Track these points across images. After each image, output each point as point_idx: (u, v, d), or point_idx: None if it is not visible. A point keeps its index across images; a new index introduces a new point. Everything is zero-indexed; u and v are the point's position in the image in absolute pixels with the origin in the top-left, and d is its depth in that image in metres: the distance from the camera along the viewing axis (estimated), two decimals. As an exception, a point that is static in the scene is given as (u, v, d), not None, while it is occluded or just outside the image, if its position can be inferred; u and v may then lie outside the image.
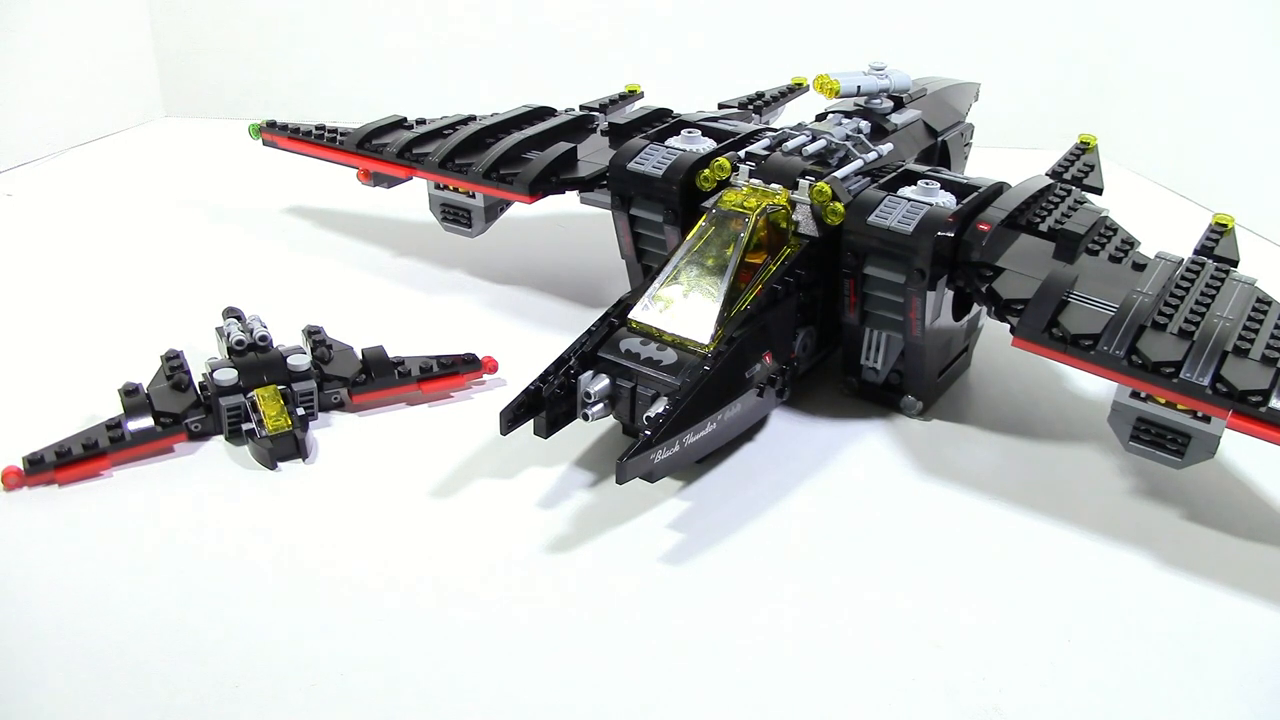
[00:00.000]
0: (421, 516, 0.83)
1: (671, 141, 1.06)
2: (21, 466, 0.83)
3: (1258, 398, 0.75)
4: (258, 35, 1.99)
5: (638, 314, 0.88)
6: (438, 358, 0.99)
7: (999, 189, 0.97)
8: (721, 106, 1.35)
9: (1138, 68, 1.92)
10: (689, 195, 1.00)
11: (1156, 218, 1.51)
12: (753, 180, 0.98)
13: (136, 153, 1.82)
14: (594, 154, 1.17)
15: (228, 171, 1.69)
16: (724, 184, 0.99)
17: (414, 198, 1.31)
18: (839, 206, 0.93)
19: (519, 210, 1.28)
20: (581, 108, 1.32)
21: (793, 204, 0.95)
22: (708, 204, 0.97)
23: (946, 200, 0.92)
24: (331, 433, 0.94)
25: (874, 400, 1.01)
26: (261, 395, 0.90)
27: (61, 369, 1.04)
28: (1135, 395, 0.79)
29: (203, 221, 1.47)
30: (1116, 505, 0.87)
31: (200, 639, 0.69)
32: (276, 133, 1.33)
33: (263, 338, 0.95)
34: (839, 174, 0.97)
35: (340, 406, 0.96)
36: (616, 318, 0.89)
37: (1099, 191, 1.08)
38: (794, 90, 1.46)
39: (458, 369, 0.99)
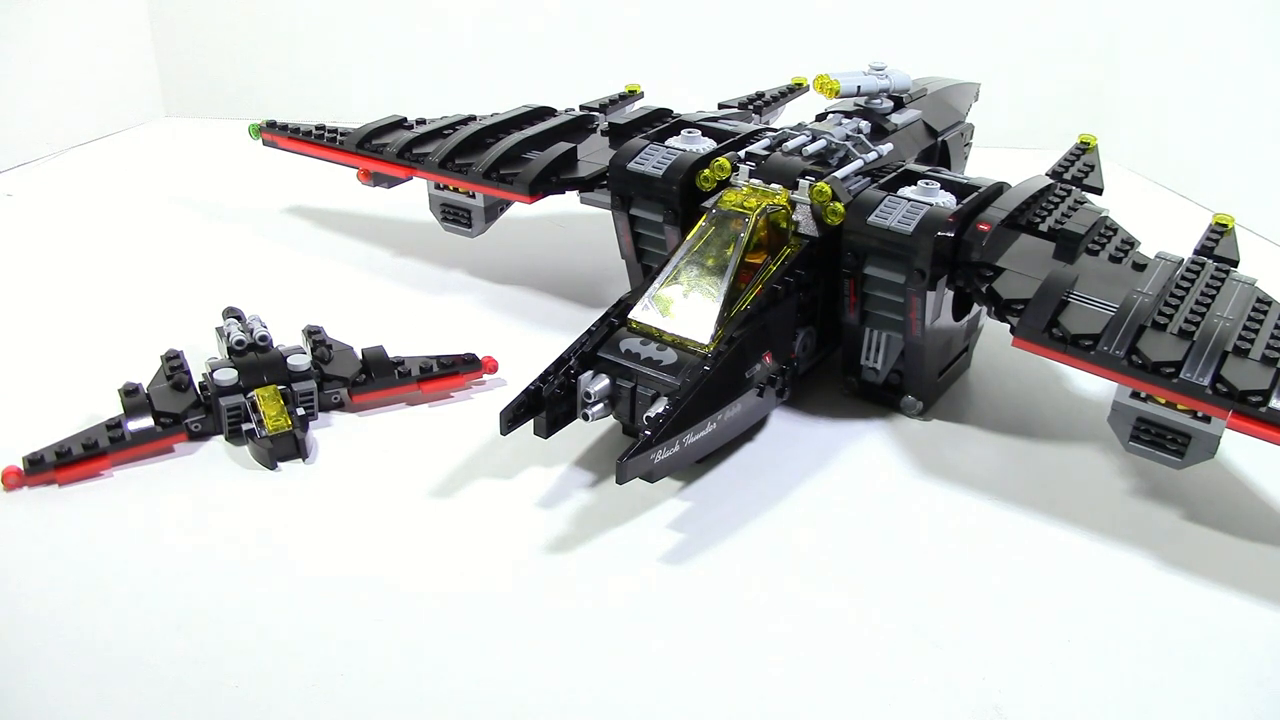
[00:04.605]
0: (421, 516, 0.83)
1: (671, 141, 1.06)
2: (21, 466, 0.83)
3: (1258, 398, 0.75)
4: (258, 35, 1.99)
5: (638, 314, 0.88)
6: (438, 358, 0.99)
7: (999, 189, 0.97)
8: (721, 106, 1.35)
9: (1138, 68, 1.92)
10: (689, 195, 1.00)
11: (1156, 218, 1.51)
12: (753, 180, 0.98)
13: (136, 153, 1.82)
14: (594, 154, 1.17)
15: (228, 171, 1.69)
16: (724, 184, 0.99)
17: (414, 198, 1.31)
18: (839, 206, 0.93)
19: (519, 210, 1.28)
20: (581, 108, 1.32)
21: (793, 204, 0.95)
22: (708, 204, 0.97)
23: (946, 200, 0.92)
24: (331, 433, 0.94)
25: (874, 400, 1.01)
26: (261, 395, 0.90)
27: (61, 369, 1.04)
28: (1135, 395, 0.79)
29: (203, 221, 1.47)
30: (1116, 505, 0.87)
31: (200, 639, 0.69)
32: (276, 133, 1.33)
33: (263, 338, 0.95)
34: (839, 174, 0.97)
35: (340, 406, 0.96)
36: (616, 318, 0.89)
37: (1099, 191, 1.08)
38: (794, 90, 1.46)
39: (458, 369, 0.99)
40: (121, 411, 0.88)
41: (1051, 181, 1.01)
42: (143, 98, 2.00)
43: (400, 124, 1.29)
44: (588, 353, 0.86)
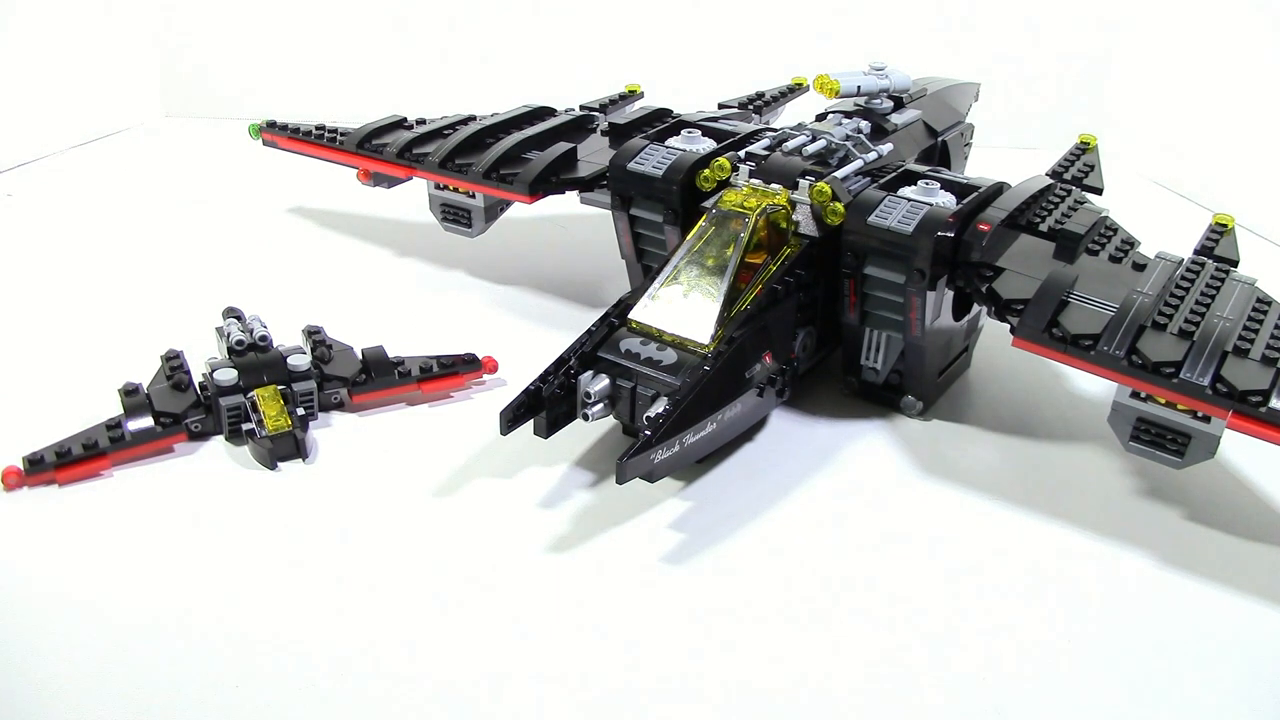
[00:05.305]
0: (421, 516, 0.83)
1: (671, 141, 1.06)
2: (21, 466, 0.83)
3: (1258, 398, 0.75)
4: (258, 35, 1.99)
5: (638, 314, 0.88)
6: (438, 358, 0.99)
7: (999, 189, 0.97)
8: (721, 106, 1.35)
9: (1138, 68, 1.92)
10: (689, 195, 1.00)
11: (1156, 218, 1.51)
12: (753, 180, 0.98)
13: (136, 153, 1.82)
14: (594, 154, 1.17)
15: (228, 171, 1.69)
16: (724, 184, 0.99)
17: (414, 198, 1.31)
18: (839, 206, 0.93)
19: (519, 210, 1.28)
20: (581, 108, 1.32)
21: (793, 204, 0.95)
22: (708, 204, 0.97)
23: (946, 200, 0.92)
24: (331, 433, 0.94)
25: (874, 400, 1.01)
26: (261, 395, 0.90)
27: (61, 369, 1.04)
28: (1135, 395, 0.79)
29: (203, 221, 1.47)
30: (1116, 505, 0.87)
31: (200, 639, 0.69)
32: (276, 133, 1.33)
33: (263, 338, 0.95)
34: (839, 174, 0.97)
35: (340, 406, 0.96)
36: (616, 318, 0.89)
37: (1099, 191, 1.08)
38: (794, 90, 1.46)
39: (458, 369, 0.99)
40: (121, 411, 0.88)
41: (1051, 181, 1.01)
42: (143, 98, 2.00)
43: (400, 124, 1.29)
44: (588, 353, 0.86)
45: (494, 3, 1.96)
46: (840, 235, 0.92)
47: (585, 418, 0.85)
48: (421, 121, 1.29)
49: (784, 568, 0.78)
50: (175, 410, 0.89)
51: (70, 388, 0.99)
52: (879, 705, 0.66)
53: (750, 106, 1.37)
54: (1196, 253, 0.94)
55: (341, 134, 1.28)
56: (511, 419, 0.82)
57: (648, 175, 1.01)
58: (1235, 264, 0.93)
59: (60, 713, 0.63)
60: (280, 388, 0.91)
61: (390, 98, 1.83)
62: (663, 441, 0.78)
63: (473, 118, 1.28)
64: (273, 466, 0.87)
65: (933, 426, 0.99)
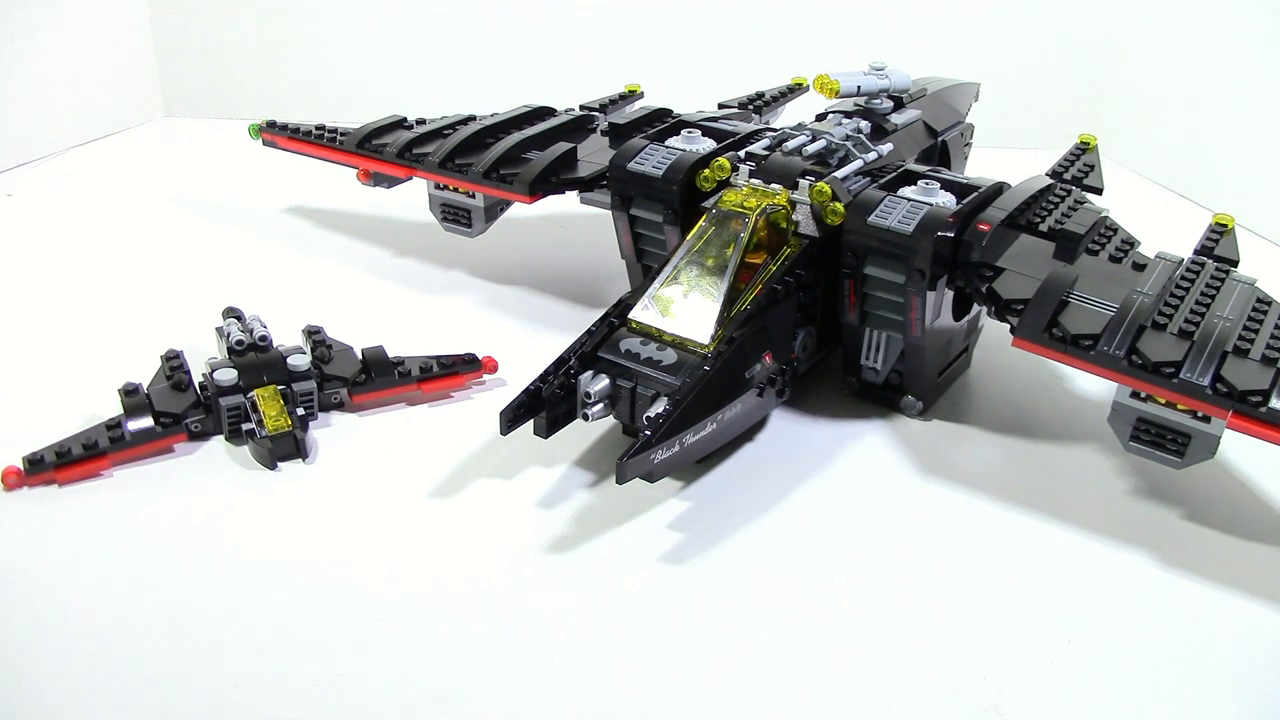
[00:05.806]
0: (421, 516, 0.83)
1: (671, 141, 1.06)
2: (21, 466, 0.83)
3: (1258, 398, 0.75)
4: (258, 35, 1.99)
5: (638, 314, 0.88)
6: (438, 358, 0.99)
7: (999, 189, 0.97)
8: (721, 106, 1.35)
9: (1138, 68, 1.92)
10: (689, 195, 1.00)
11: (1156, 218, 1.51)
12: (753, 180, 0.98)
13: (136, 153, 1.82)
14: (594, 154, 1.17)
15: (228, 171, 1.69)
16: (724, 184, 0.99)
17: (414, 198, 1.31)
18: (839, 206, 0.93)
19: (519, 210, 1.28)
20: (581, 108, 1.32)
21: (793, 204, 0.95)
22: (708, 204, 0.97)
23: (946, 200, 0.92)
24: (331, 433, 0.94)
25: (874, 400, 1.01)
26: (261, 395, 0.90)
27: (61, 369, 1.04)
28: (1135, 395, 0.79)
29: (203, 221, 1.47)
30: (1116, 505, 0.87)
31: (200, 639, 0.69)
32: (276, 133, 1.33)
33: (263, 338, 0.95)
34: (839, 174, 0.97)
35: (340, 406, 0.96)
36: (616, 318, 0.89)
37: (1099, 191, 1.08)
38: (794, 90, 1.46)
39: (458, 369, 0.99)
40: (121, 411, 0.88)
41: (1051, 181, 1.01)
42: (143, 98, 2.00)
43: (400, 124, 1.29)
44: (588, 353, 0.86)
45: (494, 3, 1.96)
46: (840, 235, 0.92)
47: (585, 418, 0.85)
48: (421, 121, 1.29)
49: (784, 568, 0.78)
50: (175, 410, 0.89)
51: (70, 388, 0.99)
52: (879, 705, 0.66)
53: (750, 106, 1.37)
54: (1196, 253, 0.94)
55: (341, 134, 1.28)
56: (511, 419, 0.82)
57: (648, 175, 1.01)
58: (1235, 264, 0.93)
59: (60, 713, 0.63)
60: (280, 388, 0.91)
61: (390, 98, 1.83)
62: (663, 441, 0.78)
63: (473, 118, 1.28)
64: (273, 466, 0.87)
65: (933, 426, 0.99)
